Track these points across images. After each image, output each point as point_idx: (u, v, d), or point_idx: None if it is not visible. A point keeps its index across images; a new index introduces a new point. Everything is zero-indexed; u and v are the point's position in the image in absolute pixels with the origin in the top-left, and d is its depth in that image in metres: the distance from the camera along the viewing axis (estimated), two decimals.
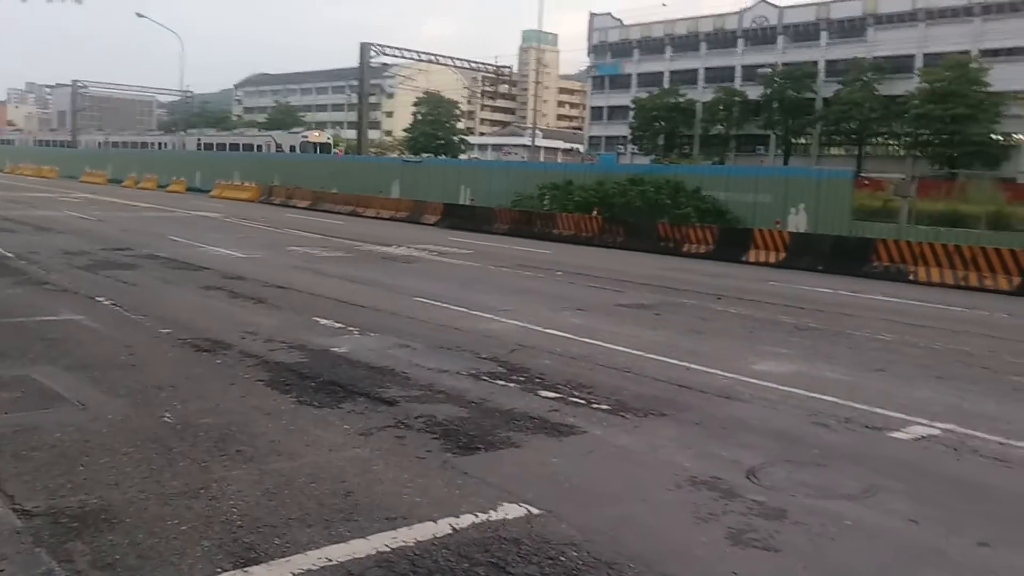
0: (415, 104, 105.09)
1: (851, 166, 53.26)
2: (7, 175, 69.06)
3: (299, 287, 13.97)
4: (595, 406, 7.36)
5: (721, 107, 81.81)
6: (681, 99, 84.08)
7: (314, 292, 13.53)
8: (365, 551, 4.37)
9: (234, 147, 63.49)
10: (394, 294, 13.73)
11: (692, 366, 9.17)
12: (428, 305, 12.58)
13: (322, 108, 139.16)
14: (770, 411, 7.56)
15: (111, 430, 6.20)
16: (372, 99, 71.60)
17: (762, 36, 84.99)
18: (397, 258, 19.80)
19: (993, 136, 65.02)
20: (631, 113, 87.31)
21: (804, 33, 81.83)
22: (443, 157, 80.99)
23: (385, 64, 73.46)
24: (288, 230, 26.25)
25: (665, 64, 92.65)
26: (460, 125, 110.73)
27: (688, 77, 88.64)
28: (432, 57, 60.82)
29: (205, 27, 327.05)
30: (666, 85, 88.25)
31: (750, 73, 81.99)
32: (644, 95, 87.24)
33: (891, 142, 73.66)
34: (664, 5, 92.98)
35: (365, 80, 54.77)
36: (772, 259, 21.83)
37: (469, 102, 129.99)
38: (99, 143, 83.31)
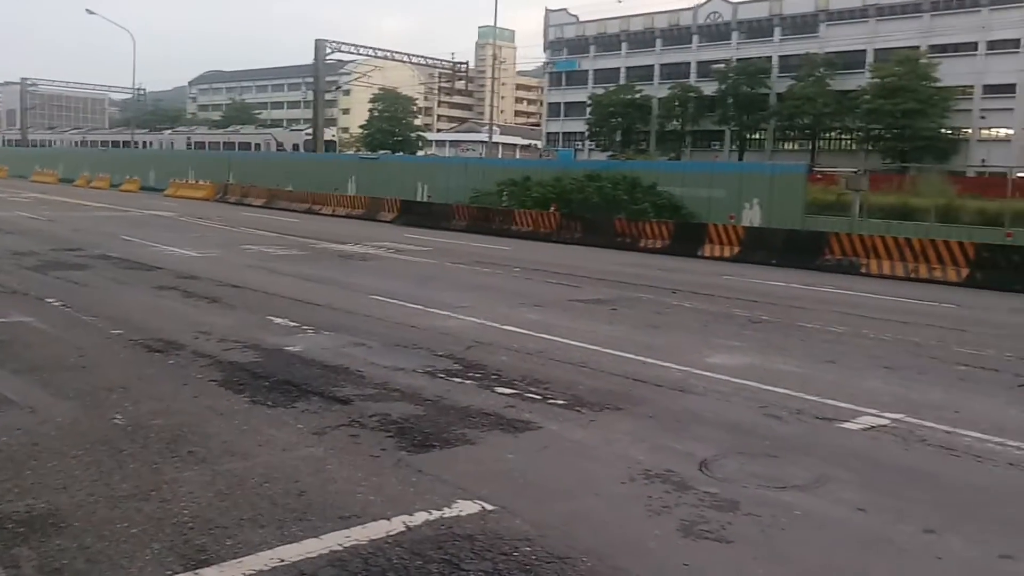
0: (371, 101, 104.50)
1: (805, 161, 54.05)
2: None
3: (254, 286, 13.85)
4: (551, 401, 7.39)
5: (677, 103, 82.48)
6: (637, 95, 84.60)
7: (269, 291, 13.42)
8: (318, 550, 4.35)
9: (229, 146, 60.50)
10: (350, 292, 13.67)
11: (647, 360, 9.24)
12: (384, 303, 12.54)
13: (278, 106, 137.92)
14: (723, 403, 7.65)
15: (60, 433, 6.10)
16: (328, 96, 70.88)
17: (716, 32, 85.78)
18: (353, 256, 19.70)
19: (942, 130, 66.27)
20: (588, 109, 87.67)
21: (758, 29, 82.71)
22: (400, 154, 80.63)
23: (341, 61, 72.77)
24: (243, 228, 25.99)
25: (621, 60, 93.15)
26: (417, 122, 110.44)
27: (644, 73, 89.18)
28: (388, 53, 60.43)
29: (158, 24, 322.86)
30: (622, 81, 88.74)
31: (705, 69, 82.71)
32: (601, 91, 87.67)
33: (844, 137, 74.81)
34: (619, 2, 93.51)
35: (321, 77, 54.25)
36: (727, 253, 22.04)
37: (426, 98, 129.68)
38: (75, 143, 79.96)
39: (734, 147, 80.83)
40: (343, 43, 55.91)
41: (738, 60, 79.81)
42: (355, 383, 7.79)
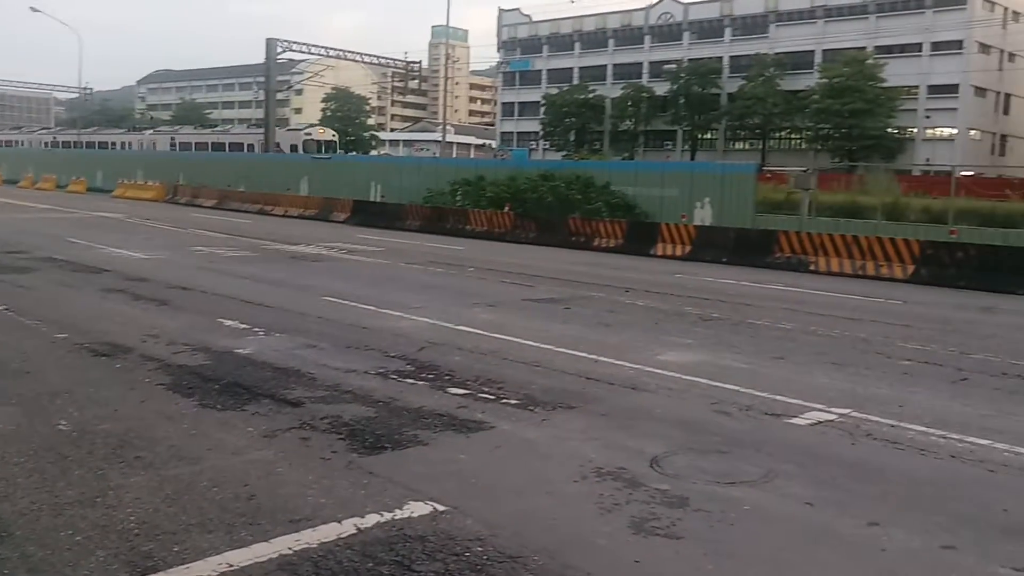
0: (324, 100, 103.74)
1: (755, 160, 54.64)
2: None
3: (204, 288, 13.68)
4: (504, 401, 7.40)
5: (629, 103, 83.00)
6: (590, 95, 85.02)
7: (219, 293, 13.26)
8: (267, 554, 4.31)
9: (219, 146, 56.65)
10: (302, 294, 13.56)
11: (600, 358, 9.30)
12: (336, 304, 12.46)
13: (229, 105, 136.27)
14: (674, 400, 7.72)
15: (1, 440, 5.97)
16: (280, 95, 70.21)
17: (668, 33, 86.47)
18: (305, 257, 19.54)
19: (889, 130, 67.49)
20: (542, 109, 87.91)
21: (709, 30, 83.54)
22: (353, 153, 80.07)
23: (292, 60, 72.17)
24: (193, 230, 25.65)
25: (574, 60, 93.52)
26: (371, 121, 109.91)
27: (597, 73, 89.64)
28: (341, 53, 60.10)
29: (105, 21, 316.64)
30: (576, 81, 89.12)
31: (657, 69, 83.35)
32: (554, 91, 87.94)
33: (793, 136, 75.85)
34: (572, 2, 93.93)
35: (272, 76, 53.75)
36: (679, 252, 22.24)
37: (379, 98, 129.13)
38: (45, 143, 74.72)
39: (686, 147, 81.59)
40: (295, 42, 55.52)
41: (690, 60, 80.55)
42: (306, 385, 7.73)
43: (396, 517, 4.82)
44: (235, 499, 5.02)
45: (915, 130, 70.04)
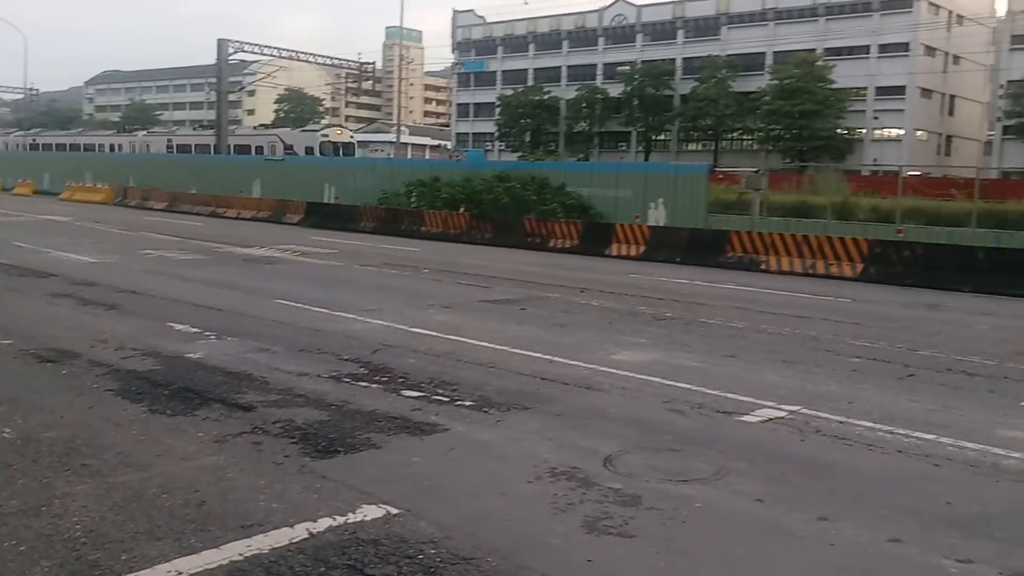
0: (277, 101, 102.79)
1: (708, 161, 55.18)
2: None
3: (154, 292, 13.48)
4: (458, 403, 7.39)
5: (584, 104, 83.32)
6: (545, 96, 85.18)
7: (170, 297, 13.08)
8: (217, 561, 4.26)
9: (221, 148, 52.51)
10: (254, 297, 13.42)
11: (555, 359, 9.33)
12: (289, 307, 12.35)
13: (180, 106, 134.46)
14: (628, 399, 7.77)
15: None
16: (232, 97, 69.40)
17: (622, 34, 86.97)
18: (258, 259, 19.35)
19: (838, 131, 68.55)
20: (497, 110, 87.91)
21: (661, 32, 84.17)
22: (306, 155, 79.36)
23: (244, 61, 71.34)
24: (144, 233, 25.26)
25: (529, 62, 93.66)
26: (324, 122, 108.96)
27: (552, 75, 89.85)
28: (293, 54, 59.58)
29: (51, 21, 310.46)
30: (530, 82, 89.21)
31: (611, 71, 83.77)
32: (509, 92, 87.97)
33: (745, 137, 76.67)
34: (526, 3, 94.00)
35: (223, 77, 53.12)
36: (633, 252, 22.39)
37: (333, 99, 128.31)
38: (23, 145, 70.01)
39: (640, 148, 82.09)
40: (246, 43, 54.90)
41: (643, 62, 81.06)
42: (258, 389, 7.66)
43: (349, 521, 4.80)
44: (185, 506, 4.95)
45: (864, 131, 71.20)
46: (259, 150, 50.39)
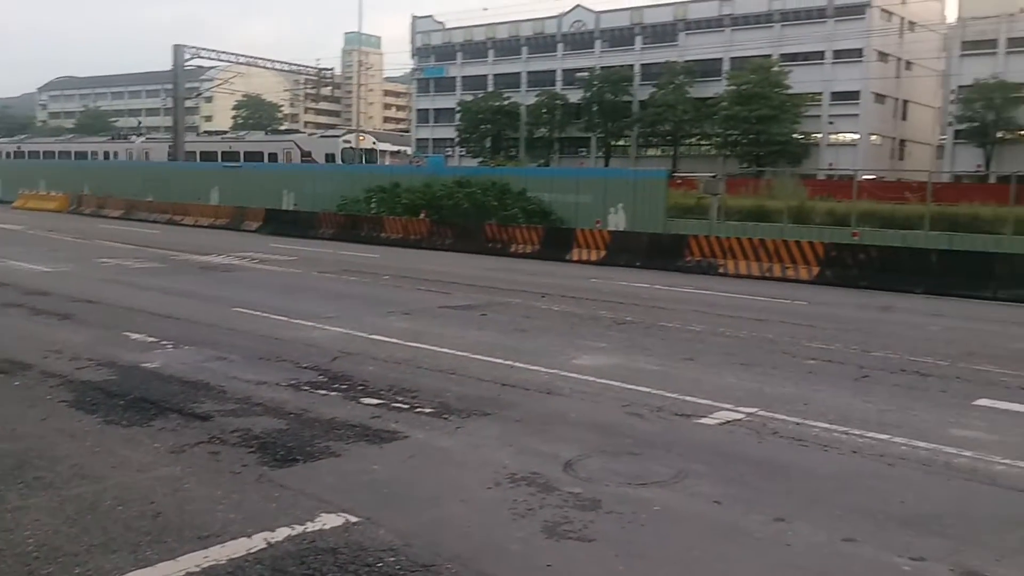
0: (235, 107, 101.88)
1: (667, 166, 55.62)
2: None
3: (110, 301, 13.30)
4: (418, 410, 7.37)
5: (544, 110, 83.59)
6: (505, 102, 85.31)
7: (126, 306, 12.91)
8: (173, 573, 4.22)
9: (231, 156, 48.58)
10: (212, 305, 13.29)
11: (516, 364, 9.34)
12: (247, 315, 12.24)
13: (136, 113, 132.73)
14: (588, 404, 7.81)
15: None
16: (189, 103, 68.62)
17: (580, 40, 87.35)
18: (216, 267, 19.15)
19: (794, 135, 69.46)
20: (457, 116, 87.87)
21: (620, 38, 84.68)
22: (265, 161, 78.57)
23: (201, 67, 70.67)
24: (99, 241, 24.90)
25: (488, 67, 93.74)
26: (283, 128, 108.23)
27: (511, 80, 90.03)
28: (251, 59, 59.16)
29: (4, 26, 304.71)
30: (490, 88, 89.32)
31: (570, 77, 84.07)
32: (469, 98, 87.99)
33: (703, 143, 77.30)
34: (485, 10, 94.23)
35: (180, 83, 52.56)
36: (594, 257, 22.50)
37: (292, 105, 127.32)
38: (7, 153, 66.24)
39: (600, 153, 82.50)
40: (203, 48, 54.34)
41: (602, 68, 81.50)
42: (216, 399, 7.58)
43: (307, 530, 4.77)
44: (140, 517, 4.89)
45: (819, 135, 72.18)
46: (272, 157, 47.52)
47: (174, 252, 22.07)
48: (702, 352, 10.44)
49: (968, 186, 45.39)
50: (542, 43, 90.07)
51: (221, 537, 4.64)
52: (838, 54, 71.47)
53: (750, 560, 4.69)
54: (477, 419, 7.18)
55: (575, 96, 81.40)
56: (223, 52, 57.51)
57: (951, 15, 75.67)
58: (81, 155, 60.31)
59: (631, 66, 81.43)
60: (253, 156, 47.86)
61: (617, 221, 26.04)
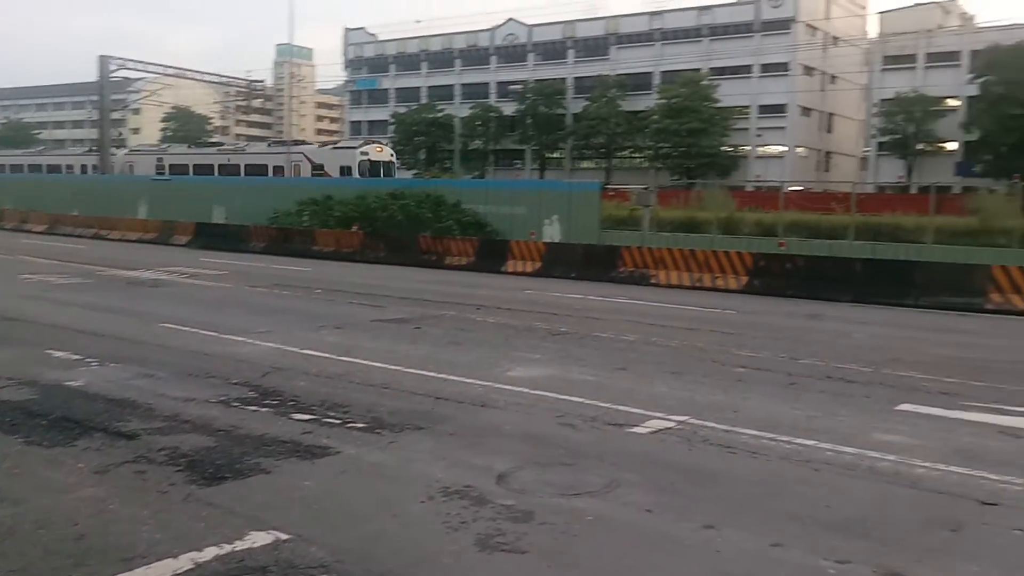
0: (164, 120, 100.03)
1: (601, 178, 56.24)
2: None
3: (32, 318, 12.93)
4: (350, 425, 7.31)
5: (478, 122, 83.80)
6: (439, 114, 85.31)
7: (49, 323, 12.57)
8: None
9: (229, 168, 46.35)
10: (139, 321, 13.00)
11: (449, 377, 9.32)
12: (176, 331, 12.01)
13: (60, 125, 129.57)
14: (522, 415, 7.82)
15: None
16: (116, 115, 67.21)
17: (514, 53, 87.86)
18: (144, 282, 18.75)
19: (724, 148, 70.77)
20: (391, 128, 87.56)
21: (552, 51, 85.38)
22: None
23: (128, 78, 69.26)
24: (21, 256, 24.20)
25: (422, 79, 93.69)
26: (214, 140, 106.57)
27: (445, 93, 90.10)
28: (179, 71, 58.24)
29: None
30: (424, 100, 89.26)
31: (504, 90, 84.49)
32: (403, 110, 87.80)
33: (636, 155, 78.24)
34: (418, 22, 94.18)
35: (106, 95, 51.48)
36: (529, 269, 22.59)
37: (223, 117, 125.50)
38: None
39: (535, 165, 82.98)
40: (130, 60, 53.37)
41: (535, 81, 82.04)
42: (142, 417, 7.42)
43: (236, 549, 4.69)
44: (62, 540, 4.76)
45: (748, 148, 73.63)
46: (277, 171, 44.39)
47: (100, 267, 21.55)
48: (635, 362, 10.56)
49: (891, 196, 46.81)
50: (476, 56, 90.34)
51: (146, 558, 4.54)
52: (765, 68, 73.07)
53: (680, 568, 4.75)
54: (410, 433, 7.15)
55: (509, 109, 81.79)
56: (151, 63, 56.62)
57: (873, 30, 78.05)
58: (54, 168, 57.81)
59: (564, 79, 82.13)
60: (255, 169, 45.21)
61: (552, 233, 26.20)
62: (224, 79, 62.19)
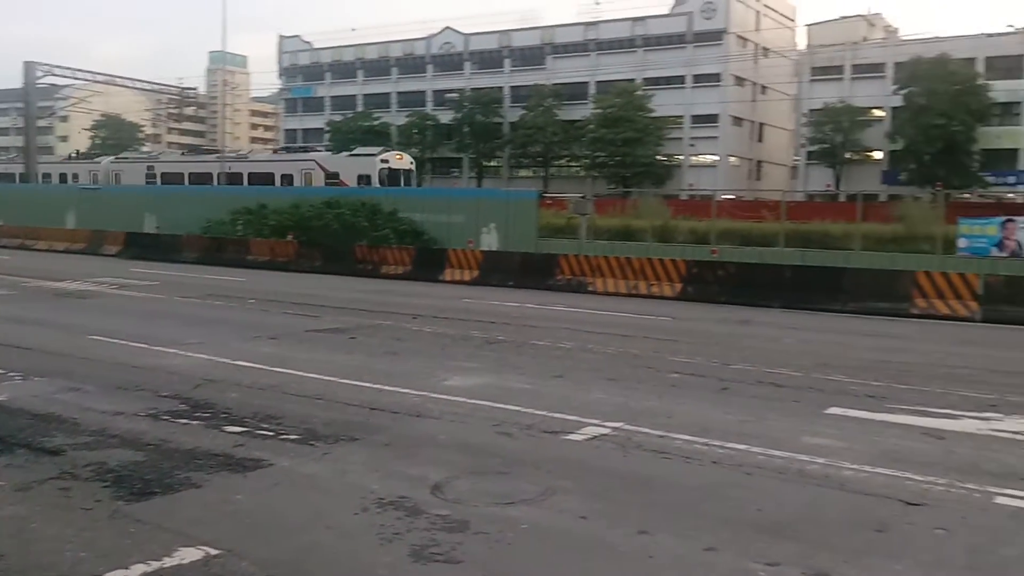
0: (93, 127, 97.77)
1: (538, 187, 56.38)
2: None
3: None
4: (283, 437, 7.22)
5: (415, 131, 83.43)
6: (375, 122, 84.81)
7: None
8: None
9: (232, 177, 43.17)
10: (66, 333, 12.68)
11: (385, 387, 9.26)
12: (104, 343, 11.73)
13: None
14: (458, 425, 7.81)
15: None
16: (42, 123, 65.44)
17: (450, 62, 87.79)
18: (71, 294, 18.28)
19: (658, 157, 71.60)
20: (326, 136, 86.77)
21: (489, 60, 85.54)
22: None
23: (55, 85, 67.57)
24: None
25: (358, 88, 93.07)
26: (145, 149, 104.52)
27: (381, 101, 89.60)
28: (109, 78, 56.99)
29: None
30: (360, 108, 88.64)
31: (440, 98, 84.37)
32: (339, 118, 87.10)
33: (573, 164, 78.66)
34: (353, 30, 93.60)
35: (32, 102, 50.14)
36: (467, 277, 22.58)
37: (155, 125, 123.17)
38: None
39: (473, 173, 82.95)
40: (57, 66, 52.02)
41: (472, 90, 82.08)
42: (68, 432, 7.23)
43: (164, 566, 4.60)
44: None
45: (681, 157, 74.57)
46: (286, 179, 41.08)
47: (25, 278, 20.96)
48: (571, 369, 10.61)
49: (820, 204, 47.70)
50: (412, 64, 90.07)
51: None
52: (698, 79, 74.11)
53: (614, 573, 4.78)
54: (344, 444, 7.08)
55: (446, 117, 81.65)
56: (79, 70, 55.29)
57: (801, 42, 79.75)
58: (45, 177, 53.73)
59: (500, 88, 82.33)
60: (260, 178, 41.83)
61: (490, 241, 26.22)
62: (156, 86, 61.02)
